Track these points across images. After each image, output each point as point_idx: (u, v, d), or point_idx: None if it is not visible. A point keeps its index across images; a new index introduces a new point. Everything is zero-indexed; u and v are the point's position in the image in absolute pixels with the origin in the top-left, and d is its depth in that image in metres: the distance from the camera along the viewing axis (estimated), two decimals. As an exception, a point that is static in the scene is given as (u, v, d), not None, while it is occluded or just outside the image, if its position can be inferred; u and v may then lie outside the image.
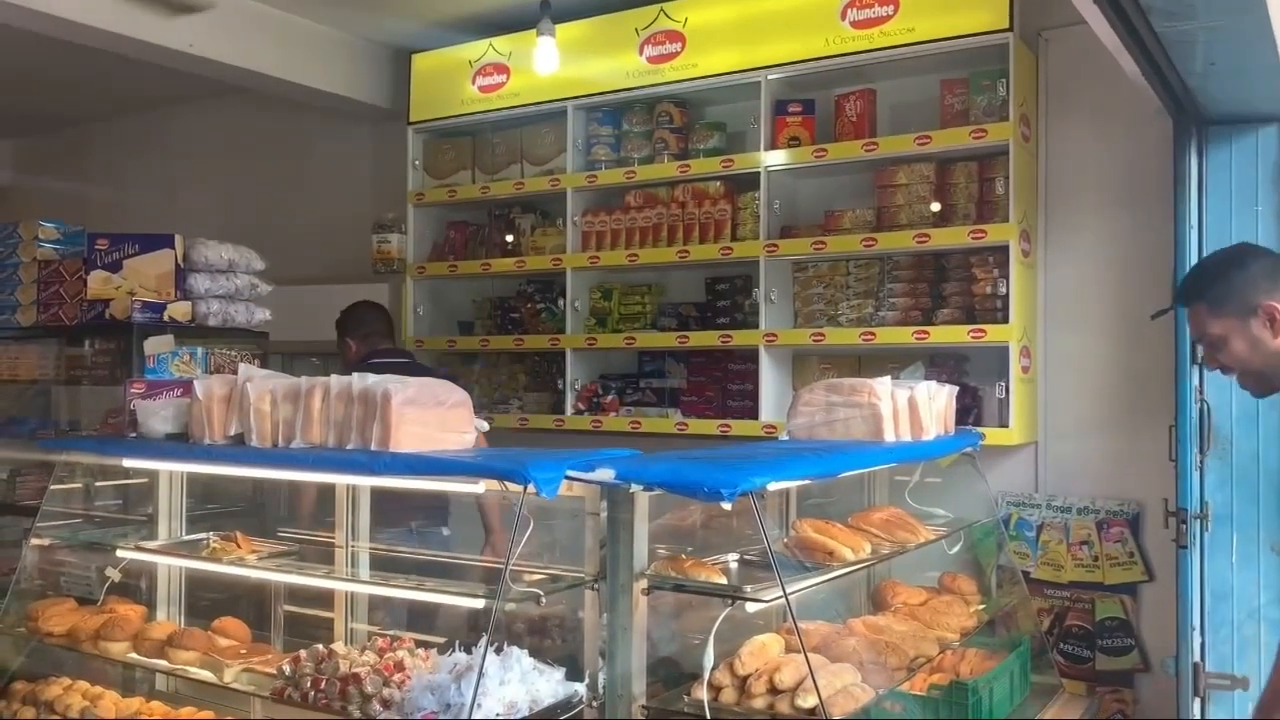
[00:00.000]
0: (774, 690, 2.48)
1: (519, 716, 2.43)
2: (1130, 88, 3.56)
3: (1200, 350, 2.49)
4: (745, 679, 2.53)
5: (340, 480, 3.21)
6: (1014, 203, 4.00)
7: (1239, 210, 3.85)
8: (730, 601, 2.45)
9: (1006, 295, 4.01)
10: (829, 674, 2.55)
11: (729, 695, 2.52)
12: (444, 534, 4.23)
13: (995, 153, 4.10)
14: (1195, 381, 3.78)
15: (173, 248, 4.28)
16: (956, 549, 3.45)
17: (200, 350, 4.17)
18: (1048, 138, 4.26)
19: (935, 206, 4.25)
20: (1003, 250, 4.02)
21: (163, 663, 3.07)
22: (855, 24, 4.29)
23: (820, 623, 3.02)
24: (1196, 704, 3.75)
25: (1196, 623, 3.74)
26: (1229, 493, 3.76)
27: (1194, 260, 3.82)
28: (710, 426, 4.57)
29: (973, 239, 4.05)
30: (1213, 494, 3.71)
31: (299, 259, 5.73)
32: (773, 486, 2.51)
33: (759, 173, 4.50)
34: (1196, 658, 3.73)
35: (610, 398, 4.91)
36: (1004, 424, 4.01)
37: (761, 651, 2.60)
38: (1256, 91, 3.52)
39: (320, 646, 2.83)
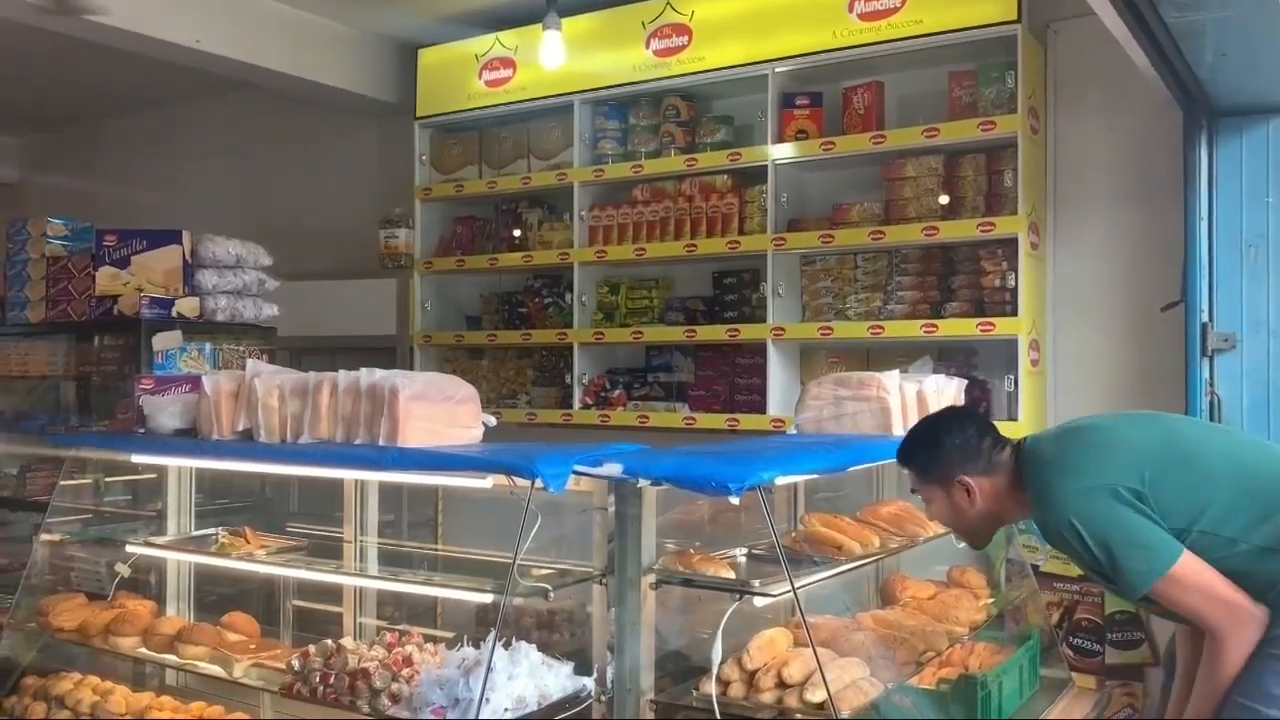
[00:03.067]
0: (782, 685, 2.48)
1: (527, 711, 2.43)
2: (1139, 79, 3.54)
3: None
4: (754, 673, 2.52)
5: (348, 475, 3.21)
6: (1022, 195, 3.98)
7: (1249, 202, 3.83)
8: (738, 596, 2.44)
9: (1015, 288, 3.99)
10: (837, 668, 2.54)
11: (737, 690, 2.52)
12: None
13: (1003, 145, 4.08)
14: (1205, 374, 3.77)
15: (180, 244, 4.29)
16: (964, 543, 3.43)
17: (208, 346, 4.17)
18: (1056, 130, 4.24)
19: (943, 199, 4.24)
20: (1011, 243, 4.01)
21: (172, 658, 3.08)
22: (862, 16, 4.27)
23: (829, 617, 3.01)
24: (1207, 698, 3.73)
25: (1207, 616, 3.72)
26: None
27: (1204, 253, 3.81)
28: (718, 421, 4.56)
29: (981, 232, 4.04)
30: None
31: (306, 254, 5.74)
32: (780, 481, 2.50)
33: (766, 166, 4.48)
34: (1207, 651, 3.71)
35: (618, 392, 4.91)
36: (1013, 417, 3.99)
37: (770, 646, 2.60)
38: (1267, 82, 3.50)
39: (329, 641, 2.84)
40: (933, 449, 2.54)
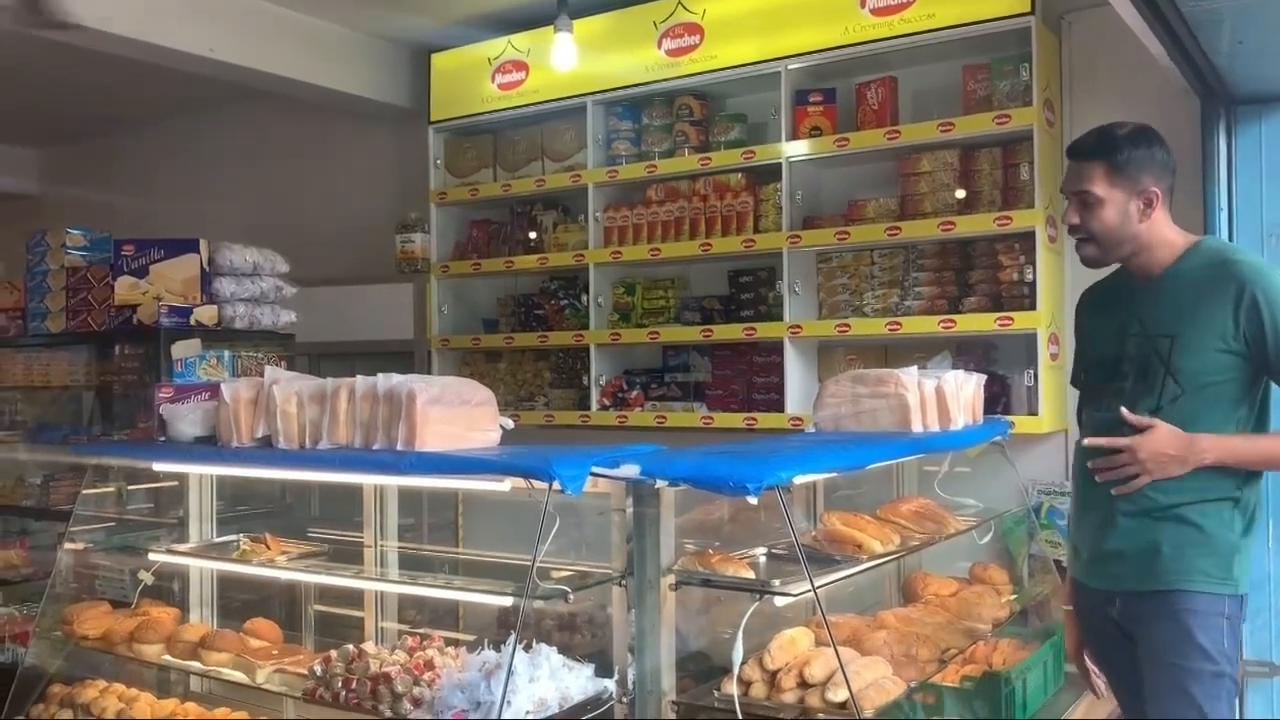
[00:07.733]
0: (804, 684, 2.47)
1: (549, 714, 2.43)
2: (1155, 69, 3.51)
3: (1065, 203, 2.64)
4: (775, 673, 2.51)
5: (367, 480, 3.22)
6: (1039, 188, 3.95)
7: (1269, 191, 3.80)
8: (759, 596, 2.43)
9: (1033, 282, 3.96)
10: (860, 667, 2.53)
11: (759, 690, 2.51)
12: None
13: (1019, 138, 4.05)
14: (1228, 365, 3.72)
15: (198, 252, 4.32)
16: (987, 539, 3.42)
17: (227, 353, 4.20)
18: (1072, 122, 4.20)
19: (959, 194, 4.21)
20: (1029, 236, 3.98)
21: (196, 664, 3.10)
22: (875, 11, 4.25)
23: (850, 616, 3.00)
24: (1234, 692, 3.70)
25: (1233, 610, 3.68)
26: (1264, 477, 3.69)
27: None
28: (736, 420, 4.55)
29: (998, 226, 4.01)
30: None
31: (323, 260, 5.77)
32: (799, 479, 2.49)
33: (780, 164, 4.47)
34: (1234, 645, 3.67)
35: (635, 393, 4.90)
36: (1033, 412, 3.97)
37: (791, 646, 2.59)
38: (1286, 69, 3.47)
39: (351, 646, 2.85)
40: (1144, 151, 2.52)
